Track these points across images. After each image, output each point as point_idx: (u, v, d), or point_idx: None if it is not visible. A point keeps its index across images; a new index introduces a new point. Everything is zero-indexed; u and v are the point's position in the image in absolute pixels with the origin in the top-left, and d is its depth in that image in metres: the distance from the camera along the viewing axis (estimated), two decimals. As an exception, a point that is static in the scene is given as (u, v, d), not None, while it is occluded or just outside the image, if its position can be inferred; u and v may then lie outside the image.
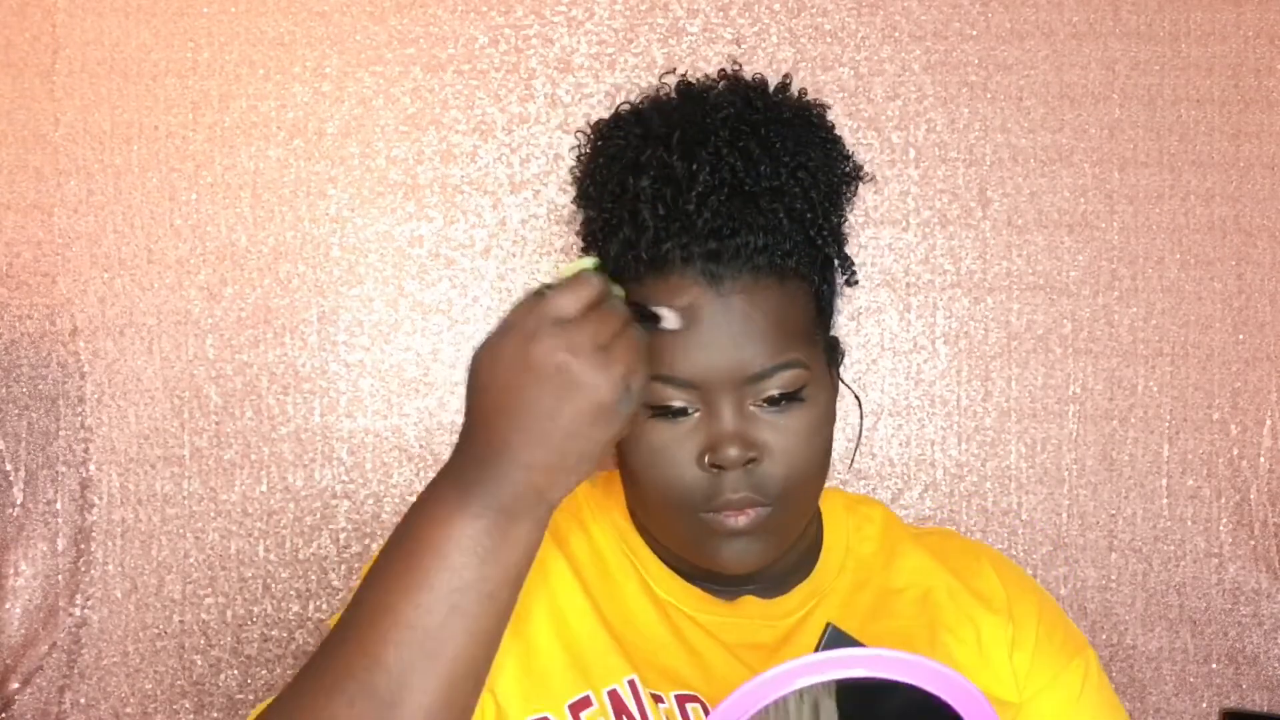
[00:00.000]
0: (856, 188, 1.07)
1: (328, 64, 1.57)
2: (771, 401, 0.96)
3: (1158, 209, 1.60)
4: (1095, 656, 1.11)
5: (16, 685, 1.51)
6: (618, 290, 0.86)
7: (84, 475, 1.54)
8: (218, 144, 1.56)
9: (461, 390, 1.56)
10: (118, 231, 1.55)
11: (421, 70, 1.57)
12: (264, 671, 1.56)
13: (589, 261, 0.85)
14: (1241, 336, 1.61)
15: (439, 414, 1.57)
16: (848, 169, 1.04)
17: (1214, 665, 1.60)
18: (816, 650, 0.83)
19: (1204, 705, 1.60)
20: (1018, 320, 1.60)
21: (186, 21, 1.55)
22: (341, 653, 0.80)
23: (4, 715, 1.51)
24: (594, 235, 1.03)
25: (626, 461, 1.00)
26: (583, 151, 1.07)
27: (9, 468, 1.53)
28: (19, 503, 1.53)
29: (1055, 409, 1.60)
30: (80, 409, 1.54)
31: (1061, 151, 1.60)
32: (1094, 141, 1.60)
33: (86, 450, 1.54)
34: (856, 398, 1.14)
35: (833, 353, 1.05)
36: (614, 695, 0.97)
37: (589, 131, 1.07)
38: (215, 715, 1.55)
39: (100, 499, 1.53)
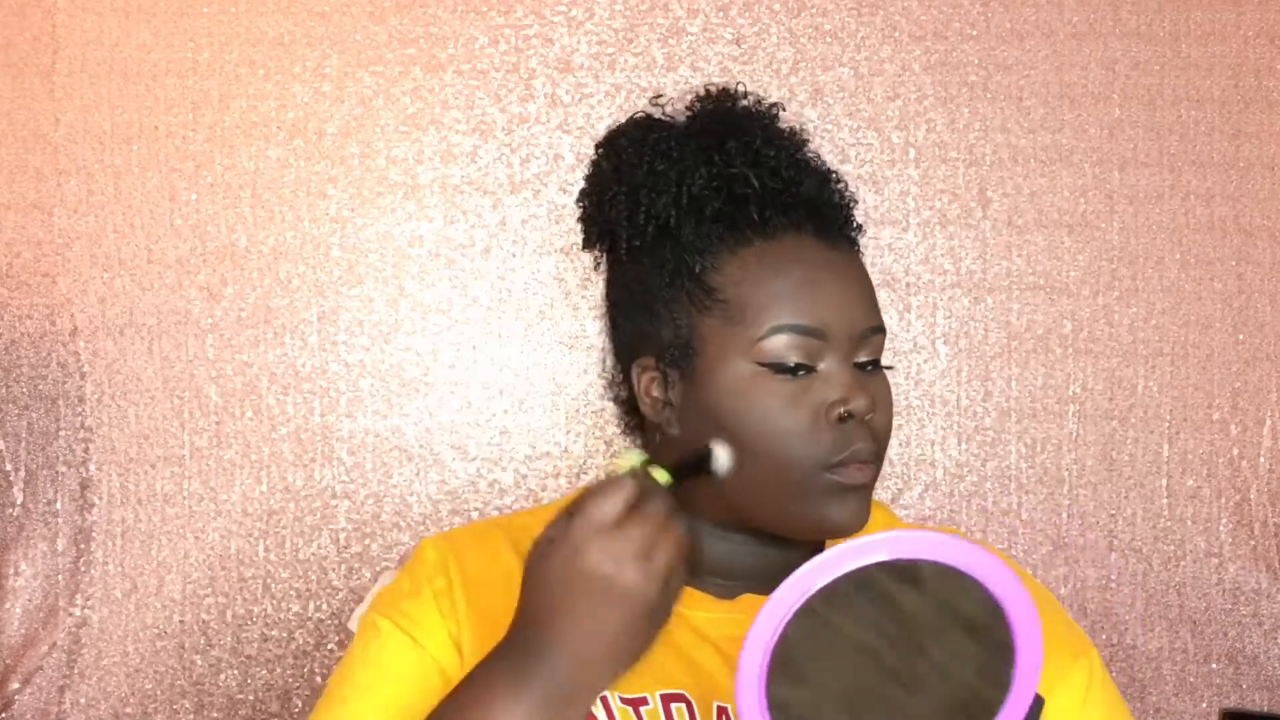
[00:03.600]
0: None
1: (328, 64, 1.57)
2: (860, 366, 1.01)
3: (1158, 209, 1.60)
4: (1099, 656, 1.11)
5: (16, 685, 1.51)
6: (661, 476, 0.88)
7: (84, 475, 1.54)
8: (218, 144, 1.56)
9: (461, 390, 1.57)
10: (118, 231, 1.55)
11: (421, 70, 1.57)
12: (264, 671, 1.56)
13: (636, 457, 0.89)
14: (1241, 336, 1.61)
15: (439, 414, 1.57)
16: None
17: (1214, 665, 1.60)
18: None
19: (1204, 705, 1.60)
20: (1018, 320, 1.60)
21: (186, 21, 1.55)
22: None
23: (4, 715, 1.51)
24: (647, 219, 1.05)
25: (732, 425, 0.99)
26: (603, 153, 1.10)
27: (9, 468, 1.53)
28: (19, 503, 1.53)
29: (1055, 409, 1.60)
30: (80, 409, 1.54)
31: (1061, 151, 1.60)
32: (1094, 141, 1.60)
33: (86, 450, 1.54)
34: None
35: None
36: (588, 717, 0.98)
37: (606, 140, 1.11)
38: (215, 715, 1.55)
39: (100, 499, 1.53)
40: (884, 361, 1.04)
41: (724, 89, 1.11)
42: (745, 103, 1.09)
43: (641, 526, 0.84)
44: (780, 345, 0.99)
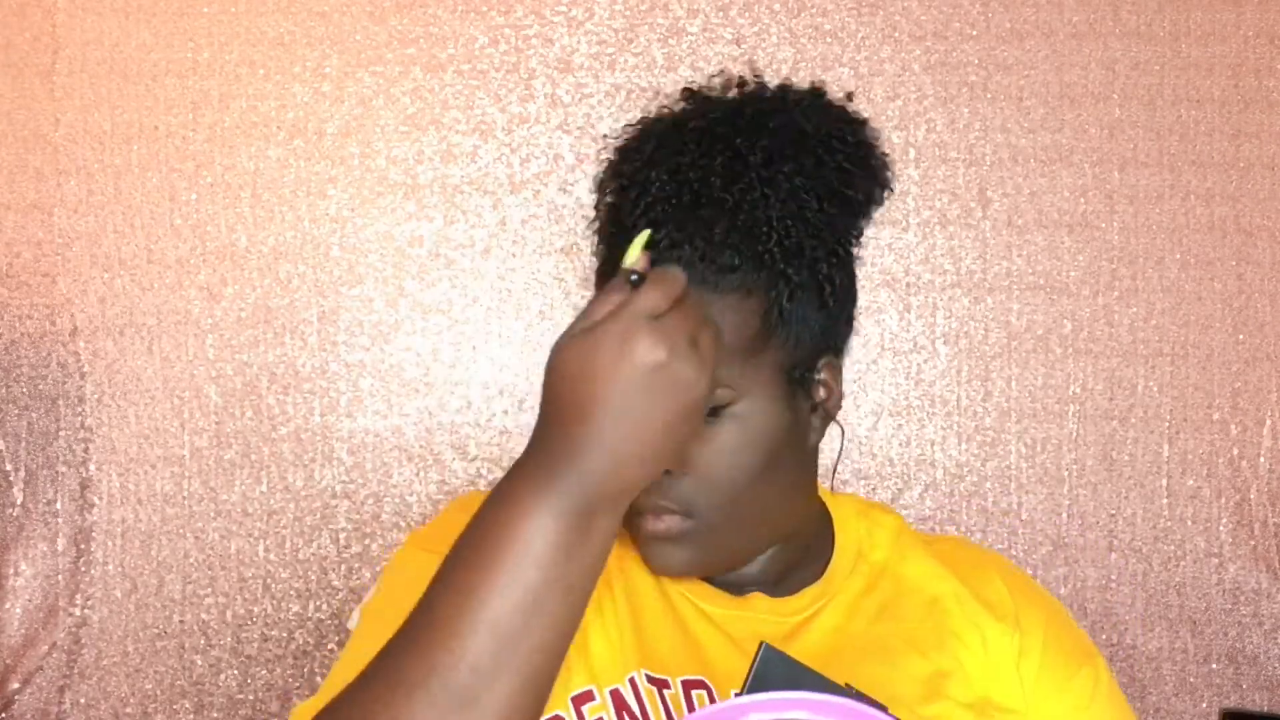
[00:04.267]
0: (863, 209, 1.03)
1: (328, 64, 1.57)
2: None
3: (1158, 209, 1.60)
4: (1106, 665, 1.11)
5: (16, 685, 1.51)
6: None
7: (84, 475, 1.54)
8: (218, 144, 1.56)
9: (461, 390, 1.57)
10: (118, 231, 1.55)
11: (421, 70, 1.57)
12: (264, 671, 1.56)
13: (645, 234, 0.84)
14: (1241, 336, 1.61)
15: (439, 414, 1.57)
16: (853, 190, 1.01)
17: (1214, 665, 1.60)
18: (751, 668, 0.82)
19: (1204, 705, 1.60)
20: (1018, 320, 1.60)
21: (186, 21, 1.55)
22: (418, 650, 0.79)
23: (4, 715, 1.51)
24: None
25: None
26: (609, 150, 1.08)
27: (9, 468, 1.53)
28: (19, 503, 1.53)
29: (1055, 409, 1.60)
30: (80, 409, 1.54)
31: (1061, 151, 1.60)
32: (1094, 141, 1.60)
33: (86, 450, 1.54)
34: (840, 427, 1.11)
35: (797, 371, 1.00)
36: (616, 694, 0.97)
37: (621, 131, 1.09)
38: (215, 715, 1.55)
39: (100, 499, 1.53)
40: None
41: (753, 84, 1.04)
42: (726, 112, 1.02)
43: (689, 317, 0.80)
44: None
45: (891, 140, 1.59)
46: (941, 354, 1.60)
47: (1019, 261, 1.60)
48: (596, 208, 1.05)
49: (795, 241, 0.96)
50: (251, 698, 1.55)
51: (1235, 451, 1.60)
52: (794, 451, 0.99)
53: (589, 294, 1.57)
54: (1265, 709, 1.60)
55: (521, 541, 0.79)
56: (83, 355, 1.54)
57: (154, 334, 1.55)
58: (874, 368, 1.59)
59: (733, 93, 1.04)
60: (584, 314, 0.81)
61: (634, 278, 0.80)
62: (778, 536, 1.04)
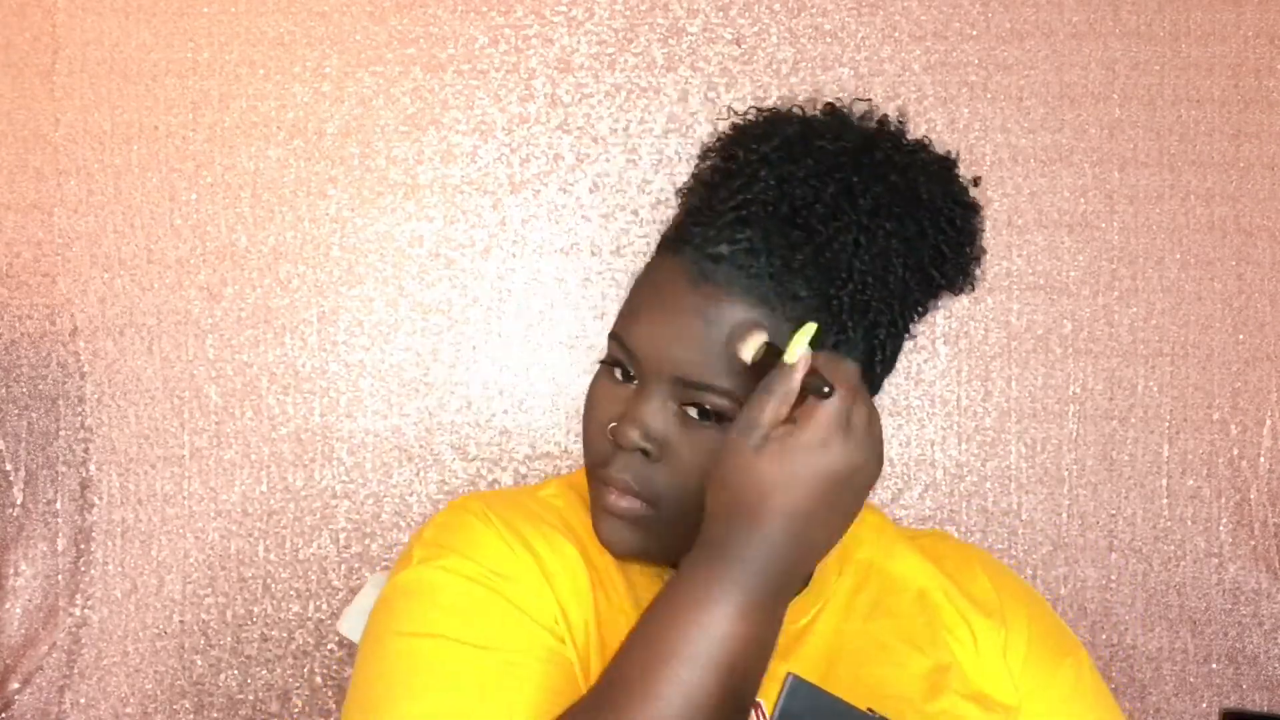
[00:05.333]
0: (939, 292, 1.02)
1: (328, 64, 1.57)
2: (702, 413, 0.95)
3: (1158, 209, 1.60)
4: (1088, 657, 1.11)
5: (16, 685, 1.51)
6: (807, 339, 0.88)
7: (84, 475, 1.54)
8: (218, 144, 1.56)
9: (461, 390, 1.57)
10: (118, 231, 1.55)
11: (421, 70, 1.57)
12: (264, 671, 1.56)
13: (811, 328, 0.87)
14: (1241, 336, 1.61)
15: (439, 414, 1.57)
16: (940, 273, 1.00)
17: (1214, 665, 1.60)
18: (778, 702, 0.83)
19: (1204, 705, 1.60)
20: (1018, 320, 1.60)
21: (186, 21, 1.55)
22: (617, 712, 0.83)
23: (4, 715, 1.51)
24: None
25: None
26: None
27: (9, 468, 1.53)
28: (19, 503, 1.53)
29: (1055, 409, 1.60)
30: (80, 409, 1.54)
31: (1061, 151, 1.60)
32: (1094, 141, 1.60)
33: (86, 450, 1.54)
34: None
35: None
36: None
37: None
38: (215, 715, 1.55)
39: (100, 499, 1.53)
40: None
41: (840, 116, 1.03)
42: (858, 147, 0.99)
43: (864, 404, 0.85)
44: (610, 346, 0.99)
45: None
46: (941, 354, 1.60)
47: (1019, 261, 1.60)
48: (694, 173, 1.04)
49: (865, 300, 0.95)
50: (251, 698, 1.55)
51: (1235, 451, 1.60)
52: None
53: (589, 294, 1.57)
54: (1265, 709, 1.60)
55: (709, 632, 0.84)
56: (83, 355, 1.54)
57: (154, 334, 1.55)
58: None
59: (871, 125, 1.02)
60: (754, 411, 0.85)
61: (826, 390, 0.84)
62: None
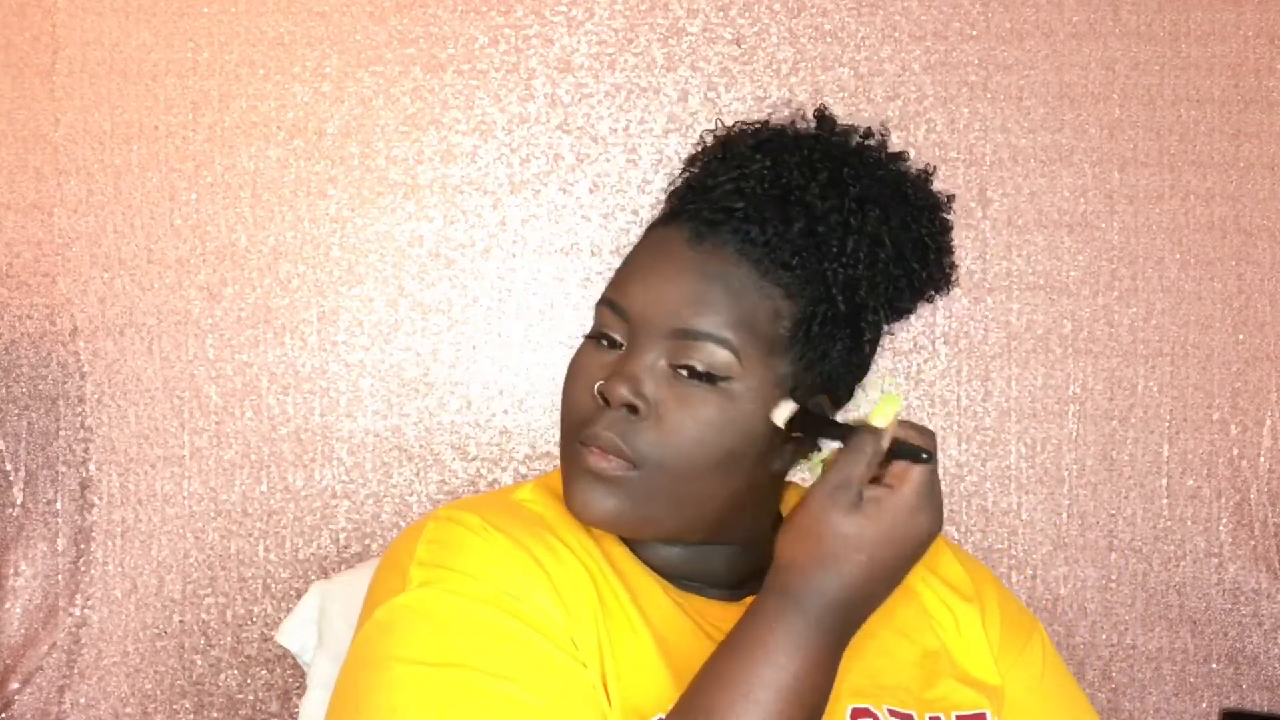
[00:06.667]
0: (917, 288, 1.04)
1: (328, 64, 1.57)
2: (693, 373, 0.95)
3: (1158, 209, 1.60)
4: (1044, 631, 1.13)
5: (16, 685, 1.51)
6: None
7: (84, 475, 1.54)
8: (218, 144, 1.56)
9: (461, 390, 1.57)
10: (118, 231, 1.55)
11: (421, 70, 1.57)
12: (264, 671, 1.56)
13: (898, 400, 0.91)
14: (1241, 336, 1.61)
15: (439, 414, 1.57)
16: (921, 265, 1.02)
17: (1214, 665, 1.60)
18: None
19: (1204, 705, 1.60)
20: (1018, 320, 1.60)
21: (186, 21, 1.55)
22: None
23: (4, 715, 1.51)
24: None
25: None
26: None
27: (9, 468, 1.53)
28: (19, 503, 1.53)
29: (1055, 409, 1.60)
30: (80, 409, 1.54)
31: (1061, 151, 1.60)
32: (1094, 141, 1.60)
33: (86, 450, 1.54)
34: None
35: (798, 392, 0.99)
36: None
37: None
38: (215, 715, 1.55)
39: (100, 499, 1.54)
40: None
41: (829, 121, 1.06)
42: (845, 152, 1.03)
43: (926, 474, 0.89)
44: (598, 315, 0.99)
45: (891, 140, 1.58)
46: (941, 354, 1.60)
47: (1019, 261, 1.60)
48: (683, 170, 1.05)
49: (855, 276, 0.97)
50: (251, 698, 1.55)
51: (1235, 451, 1.60)
52: (757, 461, 0.98)
53: (589, 294, 1.57)
54: (1265, 709, 1.60)
55: (774, 677, 0.87)
56: (83, 355, 1.54)
57: (154, 334, 1.55)
58: (874, 367, 1.58)
59: (855, 140, 1.05)
60: (847, 470, 0.89)
61: (924, 456, 0.88)
62: (711, 531, 1.00)
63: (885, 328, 1.04)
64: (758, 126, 1.04)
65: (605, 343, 0.98)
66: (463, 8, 1.57)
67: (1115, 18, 1.60)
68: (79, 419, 1.54)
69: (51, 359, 1.54)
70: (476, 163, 1.58)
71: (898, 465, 0.89)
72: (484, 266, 1.58)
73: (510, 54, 1.58)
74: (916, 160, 1.08)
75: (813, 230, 0.96)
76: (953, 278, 1.05)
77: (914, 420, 0.95)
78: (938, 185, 1.63)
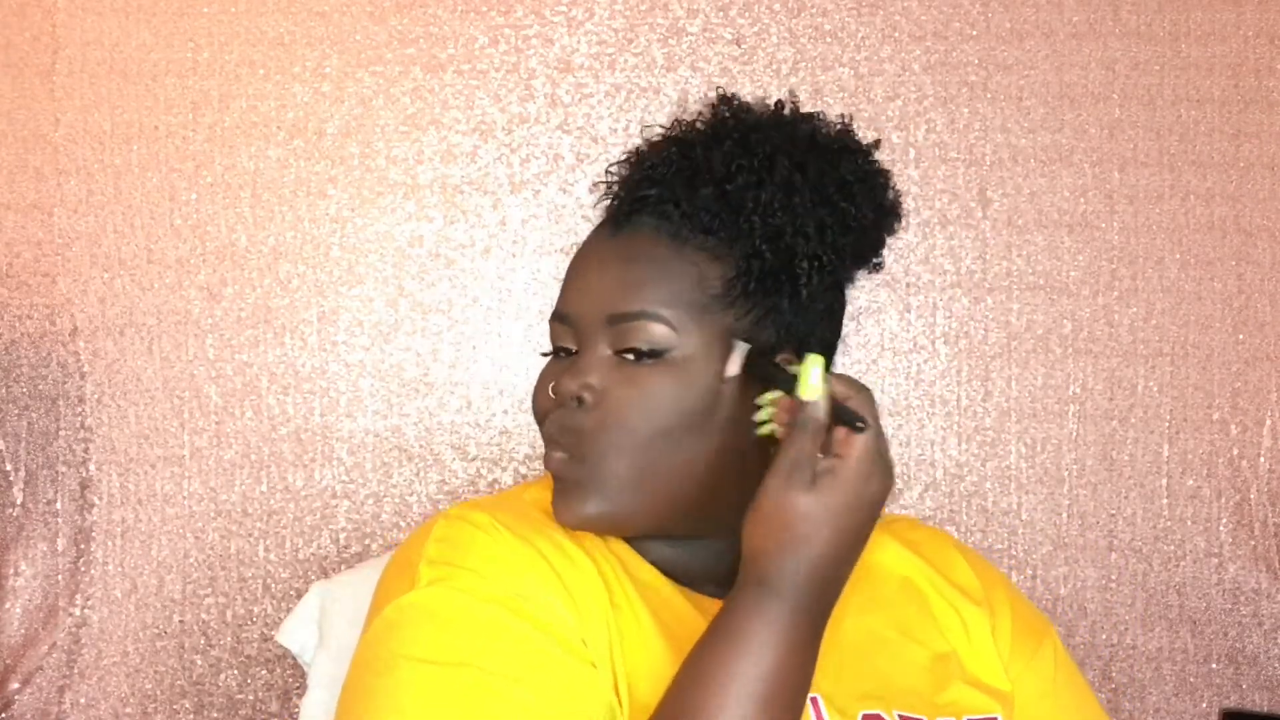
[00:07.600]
0: (857, 227, 1.03)
1: (328, 64, 1.57)
2: (639, 355, 0.98)
3: (1158, 209, 1.60)
4: (1057, 634, 1.13)
5: (16, 685, 1.51)
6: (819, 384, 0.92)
7: (84, 475, 1.54)
8: (218, 144, 1.56)
9: (461, 390, 1.57)
10: (118, 231, 1.55)
11: (421, 70, 1.57)
12: (264, 671, 1.56)
13: (817, 360, 0.90)
14: (1241, 336, 1.61)
15: (439, 414, 1.57)
16: (851, 203, 1.02)
17: (1214, 665, 1.60)
18: None
19: (1204, 705, 1.60)
20: (1018, 320, 1.60)
21: (186, 21, 1.55)
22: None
23: (4, 715, 1.51)
24: None
25: None
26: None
27: (9, 468, 1.53)
28: (19, 503, 1.53)
29: (1055, 409, 1.60)
30: (80, 409, 1.54)
31: (1061, 151, 1.60)
32: (1094, 141, 1.60)
33: (86, 450, 1.54)
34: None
35: (744, 342, 1.00)
36: None
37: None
38: (215, 715, 1.55)
39: (100, 499, 1.53)
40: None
41: (732, 100, 1.09)
42: (753, 123, 1.06)
43: (870, 438, 0.89)
44: (550, 332, 1.05)
45: (891, 140, 1.59)
46: (941, 354, 1.60)
47: (1019, 261, 1.60)
48: (607, 182, 1.08)
49: (776, 226, 0.98)
50: (251, 698, 1.55)
51: (1235, 451, 1.60)
52: (725, 427, 0.98)
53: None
54: (1265, 709, 1.60)
55: (754, 665, 0.86)
56: (83, 355, 1.54)
57: (154, 334, 1.55)
58: (874, 367, 1.59)
59: (762, 111, 1.08)
60: (795, 450, 0.88)
61: (859, 424, 0.88)
62: (696, 513, 1.00)
63: (851, 275, 1.06)
64: (666, 126, 1.08)
65: (562, 354, 1.03)
66: (463, 8, 1.57)
67: (1115, 18, 1.60)
68: (79, 419, 1.54)
69: (51, 359, 1.54)
70: (476, 163, 1.58)
71: (841, 432, 0.89)
72: (484, 266, 1.58)
73: (510, 54, 1.58)
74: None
75: (723, 192, 0.99)
76: (898, 210, 1.06)
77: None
78: (938, 185, 1.64)
